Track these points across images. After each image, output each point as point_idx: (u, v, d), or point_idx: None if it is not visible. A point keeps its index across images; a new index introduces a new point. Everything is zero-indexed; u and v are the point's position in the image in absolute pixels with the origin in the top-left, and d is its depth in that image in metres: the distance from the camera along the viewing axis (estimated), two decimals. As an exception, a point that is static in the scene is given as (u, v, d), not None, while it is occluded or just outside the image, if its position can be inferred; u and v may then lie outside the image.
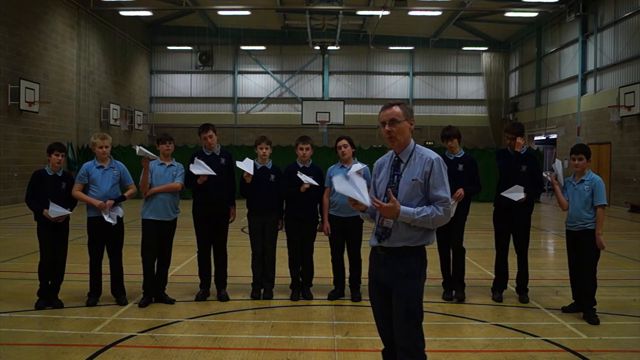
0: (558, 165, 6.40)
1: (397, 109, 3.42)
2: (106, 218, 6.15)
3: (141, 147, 6.30)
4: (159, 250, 6.40)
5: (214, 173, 6.36)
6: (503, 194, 6.42)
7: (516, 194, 6.33)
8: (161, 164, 6.44)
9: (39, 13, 19.41)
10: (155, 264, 6.41)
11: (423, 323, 5.73)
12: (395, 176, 3.42)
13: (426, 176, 3.35)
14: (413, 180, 3.35)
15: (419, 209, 3.31)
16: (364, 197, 3.32)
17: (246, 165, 6.54)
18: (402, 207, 3.30)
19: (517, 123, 6.88)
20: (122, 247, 6.47)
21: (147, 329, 5.45)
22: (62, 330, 5.40)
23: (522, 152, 6.58)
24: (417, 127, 25.55)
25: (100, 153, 6.32)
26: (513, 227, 6.58)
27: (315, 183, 6.46)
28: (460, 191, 6.40)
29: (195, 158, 6.46)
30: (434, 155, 3.40)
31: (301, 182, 6.42)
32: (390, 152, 3.56)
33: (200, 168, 6.36)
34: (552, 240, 12.66)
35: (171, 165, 6.49)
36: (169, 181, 6.40)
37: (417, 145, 3.48)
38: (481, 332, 5.54)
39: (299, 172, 6.54)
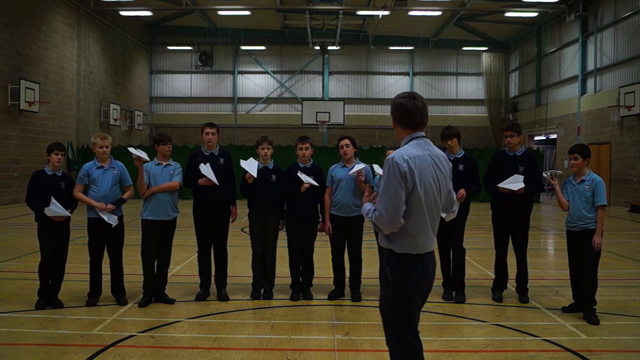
0: (548, 173, 6.40)
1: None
2: (106, 219, 6.16)
3: (133, 149, 6.27)
4: (158, 250, 6.40)
5: (217, 183, 6.37)
6: (501, 185, 6.35)
7: (516, 184, 6.30)
8: (158, 164, 6.43)
9: (39, 13, 19.41)
10: (155, 264, 6.41)
11: (423, 323, 5.73)
12: None
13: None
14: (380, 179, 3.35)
15: (368, 209, 3.26)
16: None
17: (249, 166, 6.54)
18: (366, 203, 3.35)
19: (514, 122, 6.88)
20: (122, 247, 6.47)
21: (147, 329, 5.45)
22: (62, 330, 5.40)
23: (519, 153, 6.58)
24: (417, 127, 25.01)
25: (100, 153, 6.31)
26: (512, 227, 6.58)
27: (315, 183, 6.46)
28: (462, 192, 6.39)
29: (208, 164, 6.46)
30: (392, 155, 3.14)
31: (302, 182, 6.43)
32: None
33: (208, 171, 6.36)
34: (552, 240, 12.66)
35: (168, 164, 6.47)
36: (167, 180, 6.39)
37: (410, 142, 3.24)
38: (481, 332, 5.54)
39: (299, 171, 6.54)
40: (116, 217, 6.27)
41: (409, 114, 3.22)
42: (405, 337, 3.25)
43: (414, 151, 3.18)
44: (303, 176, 6.45)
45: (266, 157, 6.72)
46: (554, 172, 6.34)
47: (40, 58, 19.40)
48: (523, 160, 6.53)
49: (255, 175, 6.50)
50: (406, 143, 3.25)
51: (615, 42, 20.64)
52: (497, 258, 6.70)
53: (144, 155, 6.24)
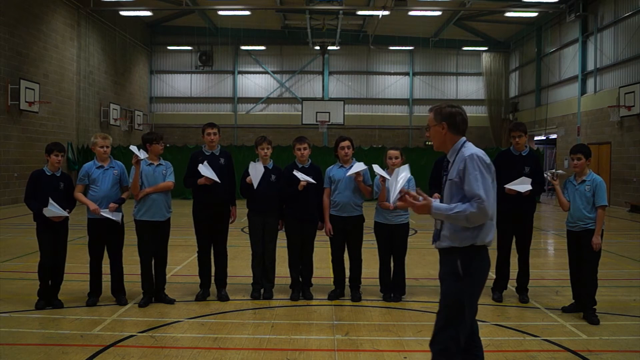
0: (549, 173, 6.38)
1: (431, 114, 3.57)
2: (112, 217, 6.13)
3: (136, 149, 6.22)
4: (155, 251, 6.39)
5: (218, 181, 6.36)
6: (508, 185, 6.33)
7: (523, 185, 6.29)
8: (150, 164, 6.36)
9: (39, 13, 19.41)
10: (153, 264, 6.41)
11: (423, 323, 5.74)
12: (445, 176, 3.53)
13: (460, 174, 3.36)
14: (449, 180, 3.43)
15: (452, 205, 3.34)
16: (392, 197, 3.55)
17: (255, 174, 6.52)
18: (435, 204, 3.37)
19: (520, 122, 6.87)
20: (122, 247, 6.46)
21: (147, 329, 5.45)
22: (62, 330, 5.40)
23: (524, 154, 6.57)
24: (417, 127, 25.42)
25: (100, 153, 6.31)
26: (516, 227, 6.57)
27: (312, 181, 6.46)
28: None
29: (206, 162, 6.44)
30: (469, 152, 3.40)
31: (299, 181, 6.43)
32: None
33: (207, 171, 6.35)
34: (552, 240, 12.65)
35: (159, 164, 6.43)
36: (160, 181, 6.34)
37: (466, 143, 3.50)
38: (481, 332, 5.47)
39: (295, 170, 6.54)
40: (121, 214, 6.27)
41: (464, 122, 3.55)
42: (458, 332, 3.35)
43: (479, 149, 3.47)
44: (299, 174, 6.45)
45: (266, 157, 6.72)
46: (556, 173, 6.33)
47: (40, 58, 19.39)
48: (528, 160, 6.51)
49: (255, 186, 6.50)
50: (462, 145, 3.49)
51: (615, 42, 20.63)
52: (499, 258, 6.68)
53: (144, 155, 6.22)
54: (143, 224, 6.31)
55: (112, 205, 6.19)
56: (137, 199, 6.30)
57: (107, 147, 6.34)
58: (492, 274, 7.05)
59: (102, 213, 6.14)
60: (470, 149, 3.44)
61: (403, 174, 3.75)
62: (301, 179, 6.41)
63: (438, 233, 3.48)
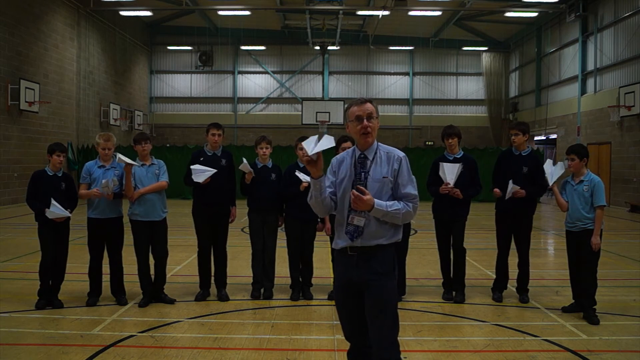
0: (548, 165, 6.32)
1: (371, 106, 3.43)
2: (111, 185, 6.05)
3: (122, 156, 6.17)
4: (153, 251, 6.38)
5: (214, 170, 6.35)
6: (498, 189, 6.44)
7: (509, 188, 6.33)
8: (142, 165, 6.35)
9: (39, 13, 19.41)
10: (153, 264, 6.40)
11: (423, 323, 5.74)
12: (362, 173, 3.40)
13: (395, 174, 3.39)
14: (384, 177, 3.37)
15: (390, 202, 3.34)
16: (310, 148, 3.44)
17: (247, 167, 6.54)
18: (377, 201, 3.31)
19: (521, 122, 6.88)
20: (122, 247, 6.46)
21: (147, 329, 5.45)
22: (62, 330, 5.40)
23: (524, 153, 6.57)
24: (417, 127, 25.29)
25: (102, 154, 6.31)
26: (514, 227, 6.56)
27: (314, 182, 6.45)
28: (454, 190, 6.42)
29: (191, 167, 6.43)
30: (401, 153, 3.45)
31: (301, 181, 6.43)
32: (350, 149, 3.57)
33: (201, 174, 6.33)
34: (552, 240, 12.66)
35: (152, 164, 6.41)
36: (153, 181, 6.32)
37: (379, 142, 3.51)
38: (481, 332, 5.54)
39: (297, 171, 6.55)
40: (114, 180, 6.15)
41: None
42: (398, 326, 3.52)
43: None
44: (301, 175, 6.45)
45: (265, 157, 6.73)
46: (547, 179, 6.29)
47: (40, 58, 19.39)
48: (527, 160, 6.49)
49: (253, 173, 6.50)
50: (378, 144, 3.48)
51: (615, 42, 20.64)
52: (498, 258, 6.68)
53: (130, 160, 6.18)
54: (139, 224, 6.30)
55: (104, 184, 6.08)
56: (131, 200, 6.30)
57: (109, 149, 6.33)
58: (491, 274, 7.06)
59: (105, 187, 6.03)
60: (395, 149, 3.48)
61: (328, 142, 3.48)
62: (303, 180, 6.41)
63: (360, 230, 3.36)
